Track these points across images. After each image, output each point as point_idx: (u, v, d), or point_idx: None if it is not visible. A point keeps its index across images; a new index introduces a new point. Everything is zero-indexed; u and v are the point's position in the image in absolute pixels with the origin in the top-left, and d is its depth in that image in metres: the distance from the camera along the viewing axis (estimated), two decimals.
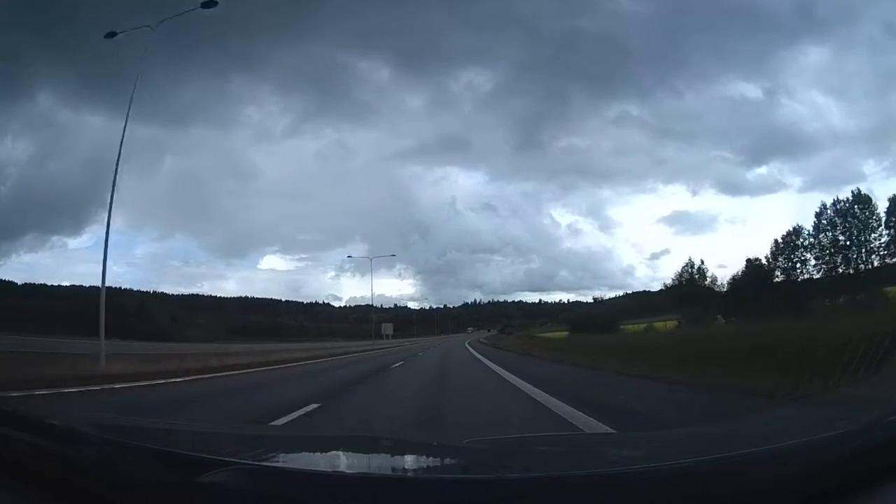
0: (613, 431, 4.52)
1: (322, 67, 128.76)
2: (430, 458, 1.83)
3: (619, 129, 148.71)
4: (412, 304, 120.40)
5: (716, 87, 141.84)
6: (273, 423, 5.02)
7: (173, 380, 10.26)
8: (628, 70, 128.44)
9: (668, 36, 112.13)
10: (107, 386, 8.50)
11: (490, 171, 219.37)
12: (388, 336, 59.53)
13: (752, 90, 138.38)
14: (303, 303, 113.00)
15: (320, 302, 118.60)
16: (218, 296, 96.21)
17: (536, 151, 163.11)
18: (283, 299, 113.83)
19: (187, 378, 10.72)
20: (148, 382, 9.57)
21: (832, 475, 1.16)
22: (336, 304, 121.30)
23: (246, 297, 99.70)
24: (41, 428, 1.34)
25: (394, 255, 69.38)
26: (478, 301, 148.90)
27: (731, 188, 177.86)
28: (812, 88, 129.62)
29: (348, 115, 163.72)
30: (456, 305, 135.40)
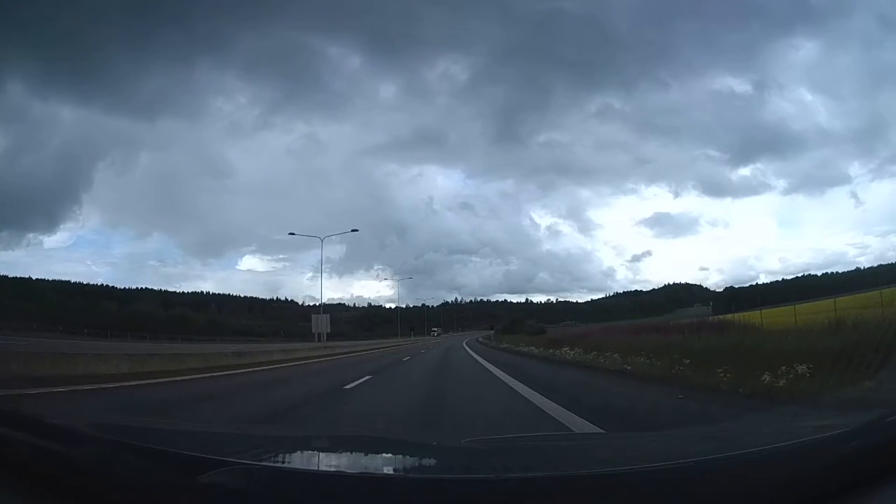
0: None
1: (290, 53, 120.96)
2: (430, 458, 1.83)
3: (601, 124, 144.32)
4: (390, 305, 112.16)
5: (703, 81, 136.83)
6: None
7: None
8: (612, 58, 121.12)
9: (655, 22, 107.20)
10: None
11: (467, 168, 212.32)
12: (322, 336, 36.16)
13: (739, 85, 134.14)
14: (264, 299, 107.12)
15: (284, 299, 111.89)
16: (175, 291, 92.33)
17: (515, 146, 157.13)
18: (244, 296, 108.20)
19: None
20: None
21: (832, 475, 1.16)
22: (310, 303, 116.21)
23: (202, 293, 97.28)
24: (41, 428, 1.34)
25: (356, 230, 44.40)
26: (459, 300, 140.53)
27: (715, 189, 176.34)
28: (801, 85, 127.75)
29: (319, 106, 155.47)
30: (435, 305, 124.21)
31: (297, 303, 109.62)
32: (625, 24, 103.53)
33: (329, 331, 37.31)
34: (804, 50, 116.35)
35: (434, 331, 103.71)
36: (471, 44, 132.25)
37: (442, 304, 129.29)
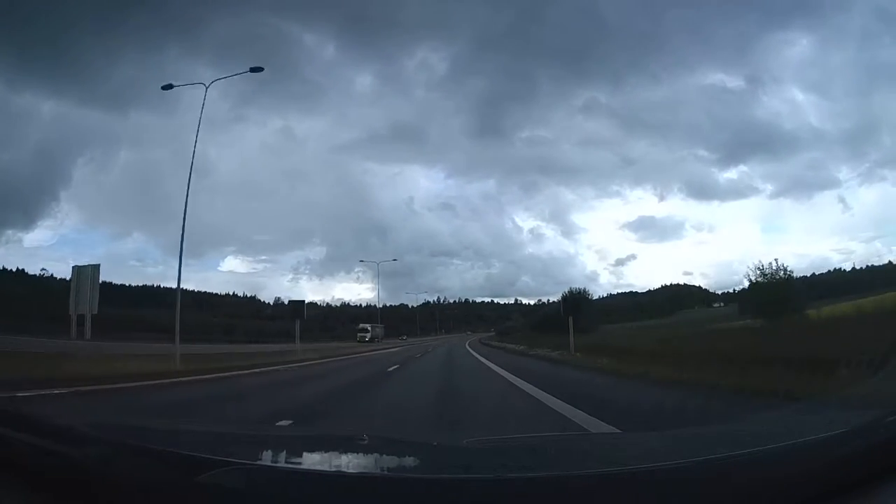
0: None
1: (263, 39, 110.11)
2: (430, 458, 1.83)
3: (587, 120, 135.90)
4: (359, 303, 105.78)
5: (693, 76, 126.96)
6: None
7: None
8: (600, 48, 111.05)
9: (647, 10, 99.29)
10: None
11: (448, 167, 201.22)
12: (85, 322, 16.46)
13: (731, 81, 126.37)
14: (217, 294, 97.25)
15: (243, 295, 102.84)
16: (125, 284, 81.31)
17: (497, 143, 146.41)
18: (196, 290, 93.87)
19: None
20: None
21: (832, 475, 1.16)
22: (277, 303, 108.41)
23: (152, 287, 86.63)
24: (41, 428, 1.34)
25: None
26: (442, 299, 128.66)
27: (701, 192, 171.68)
28: (793, 84, 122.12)
29: (295, 100, 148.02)
30: (415, 306, 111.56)
31: (260, 300, 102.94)
32: (616, 11, 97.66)
33: (96, 311, 16.92)
34: (798, 46, 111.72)
35: (365, 330, 59.05)
36: (453, 30, 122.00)
37: (423, 304, 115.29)
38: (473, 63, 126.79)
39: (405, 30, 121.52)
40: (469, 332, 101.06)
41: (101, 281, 17.74)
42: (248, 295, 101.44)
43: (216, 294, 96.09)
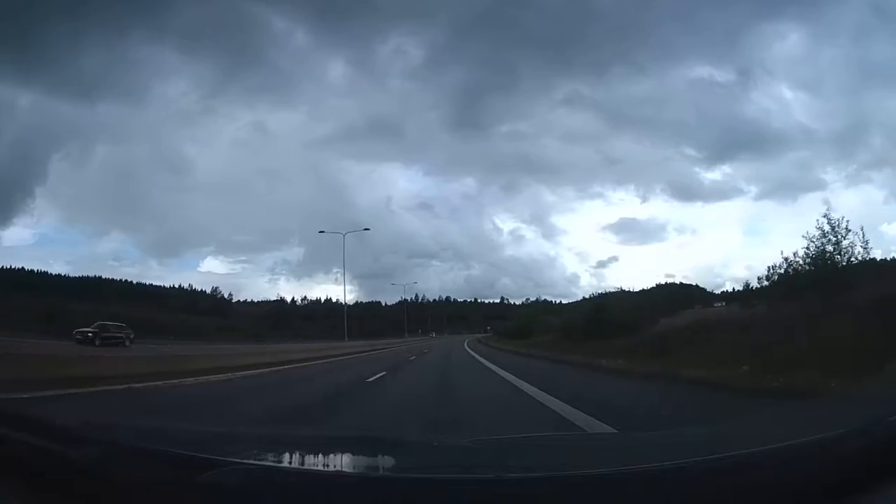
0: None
1: (231, 24, 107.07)
2: (431, 458, 1.83)
3: (570, 114, 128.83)
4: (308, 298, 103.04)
5: (681, 69, 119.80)
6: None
7: None
8: (585, 35, 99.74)
9: None
10: None
11: (426, 164, 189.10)
12: None
13: (720, 75, 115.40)
14: (167, 287, 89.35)
15: (189, 286, 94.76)
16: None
17: (477, 137, 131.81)
18: (134, 281, 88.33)
19: None
20: None
21: (832, 475, 1.16)
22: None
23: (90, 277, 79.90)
24: (41, 428, 1.34)
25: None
26: (422, 298, 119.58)
27: (685, 193, 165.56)
28: (783, 80, 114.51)
29: (267, 91, 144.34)
30: (391, 303, 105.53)
31: (226, 299, 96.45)
32: None
33: None
34: (790, 40, 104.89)
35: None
36: (429, 14, 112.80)
37: (399, 301, 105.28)
38: (451, 51, 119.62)
39: (380, 14, 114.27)
40: (433, 334, 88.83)
41: None
42: (199, 289, 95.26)
43: (161, 286, 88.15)
